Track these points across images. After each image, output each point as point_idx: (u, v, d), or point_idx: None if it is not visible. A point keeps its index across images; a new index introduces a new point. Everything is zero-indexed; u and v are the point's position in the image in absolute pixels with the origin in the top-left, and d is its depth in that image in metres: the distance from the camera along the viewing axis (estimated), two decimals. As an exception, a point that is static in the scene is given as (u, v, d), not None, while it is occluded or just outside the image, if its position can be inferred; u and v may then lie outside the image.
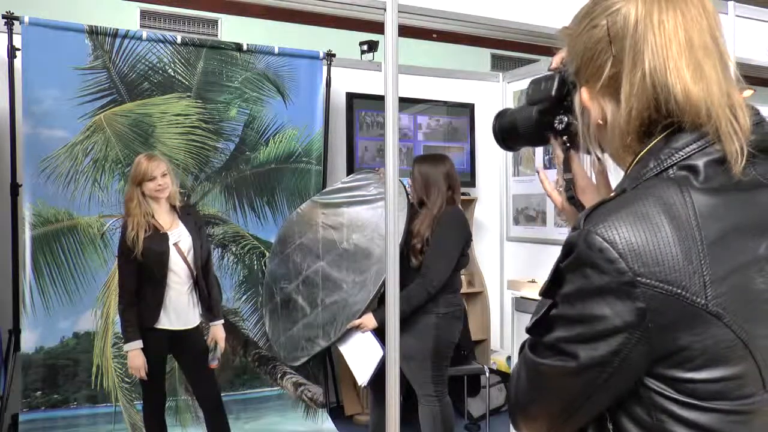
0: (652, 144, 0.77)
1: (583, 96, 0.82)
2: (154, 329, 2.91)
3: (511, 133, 1.06)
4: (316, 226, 3.63)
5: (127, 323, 2.88)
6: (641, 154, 0.77)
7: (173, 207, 3.01)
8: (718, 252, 0.70)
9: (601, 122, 0.81)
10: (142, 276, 2.89)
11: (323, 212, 3.64)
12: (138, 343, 2.86)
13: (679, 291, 0.68)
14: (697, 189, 0.72)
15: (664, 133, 0.76)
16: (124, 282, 2.90)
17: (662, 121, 0.75)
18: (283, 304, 3.70)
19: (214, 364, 3.05)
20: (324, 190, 3.92)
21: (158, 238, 2.90)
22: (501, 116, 1.09)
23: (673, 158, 0.74)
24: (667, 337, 0.69)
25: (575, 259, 0.73)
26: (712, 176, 0.73)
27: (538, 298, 0.81)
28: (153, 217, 2.91)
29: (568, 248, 0.74)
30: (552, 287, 0.77)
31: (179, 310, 2.96)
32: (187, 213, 3.07)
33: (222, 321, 3.14)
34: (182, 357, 3.11)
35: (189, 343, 3.03)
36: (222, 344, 3.09)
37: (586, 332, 0.72)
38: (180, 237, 2.97)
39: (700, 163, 0.74)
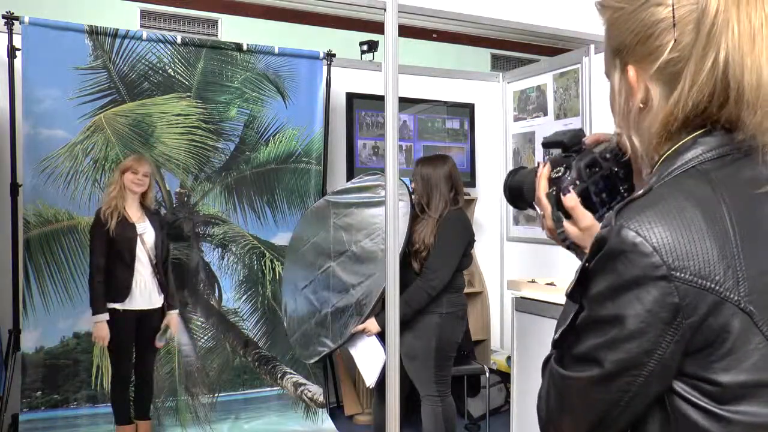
0: (680, 143, 0.75)
1: (630, 75, 0.78)
2: (123, 311, 3.25)
3: (517, 194, 1.10)
4: (328, 225, 3.62)
5: (97, 295, 3.21)
6: (668, 152, 0.76)
7: (143, 206, 3.39)
8: (752, 249, 0.68)
9: (642, 106, 0.78)
10: (111, 254, 3.24)
11: (335, 212, 3.62)
12: (105, 316, 3.20)
13: (713, 286, 0.66)
14: (728, 183, 0.71)
15: (694, 134, 0.75)
16: (96, 257, 3.24)
17: (715, 114, 0.73)
18: (299, 301, 3.69)
19: (160, 343, 3.44)
20: (337, 189, 3.87)
21: (127, 226, 3.28)
22: (513, 174, 1.13)
23: (703, 156, 0.73)
24: (698, 334, 0.67)
25: (606, 254, 0.70)
26: (744, 171, 0.72)
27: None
28: (125, 208, 3.29)
29: (598, 245, 0.71)
30: (578, 289, 0.74)
31: (144, 292, 3.32)
32: (153, 212, 3.45)
33: (177, 311, 3.53)
34: (139, 333, 3.36)
35: (148, 323, 3.36)
36: (174, 329, 3.52)
37: (618, 334, 0.68)
38: (145, 230, 3.34)
39: (731, 159, 0.73)
